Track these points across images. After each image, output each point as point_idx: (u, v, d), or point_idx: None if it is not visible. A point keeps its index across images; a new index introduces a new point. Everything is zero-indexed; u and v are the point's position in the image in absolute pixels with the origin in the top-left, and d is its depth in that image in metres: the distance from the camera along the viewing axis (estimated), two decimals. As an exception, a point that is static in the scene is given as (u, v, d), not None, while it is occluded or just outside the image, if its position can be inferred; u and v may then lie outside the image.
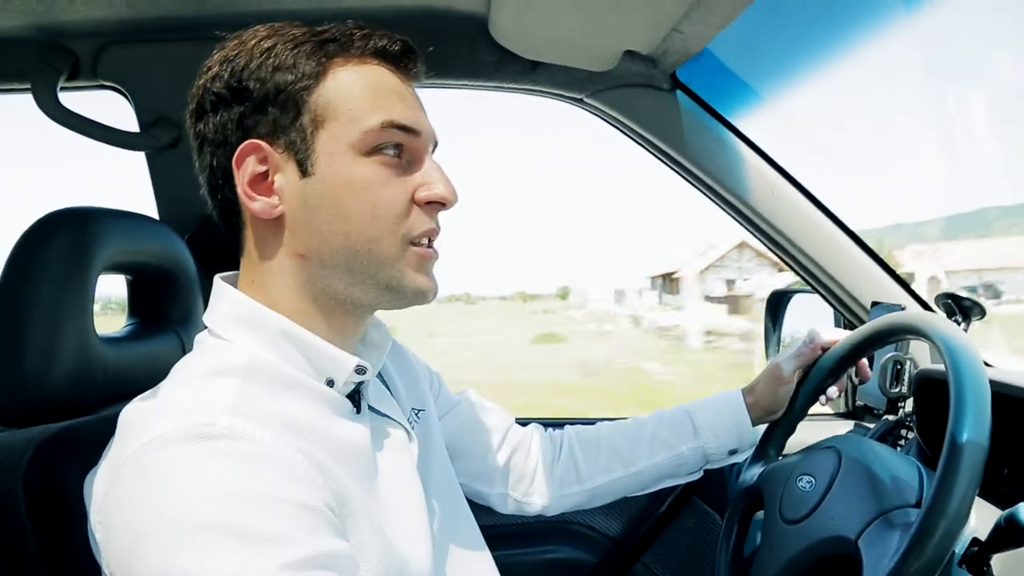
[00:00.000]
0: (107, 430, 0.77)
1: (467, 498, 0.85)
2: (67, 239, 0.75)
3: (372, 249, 0.62)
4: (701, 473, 1.00)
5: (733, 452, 0.98)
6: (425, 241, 0.64)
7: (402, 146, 0.63)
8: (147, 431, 0.52)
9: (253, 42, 0.62)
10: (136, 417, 0.57)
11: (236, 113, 0.62)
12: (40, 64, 1.08)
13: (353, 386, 0.65)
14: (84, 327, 0.75)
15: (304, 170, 0.61)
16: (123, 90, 1.14)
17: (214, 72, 0.63)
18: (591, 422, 1.02)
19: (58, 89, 1.10)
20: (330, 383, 0.63)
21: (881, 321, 0.91)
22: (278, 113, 0.61)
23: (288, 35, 0.62)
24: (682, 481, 1.01)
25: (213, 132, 0.63)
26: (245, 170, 0.61)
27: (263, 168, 0.62)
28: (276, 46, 0.62)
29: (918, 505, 0.76)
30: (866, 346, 0.94)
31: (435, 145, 0.67)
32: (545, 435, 1.01)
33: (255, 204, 0.62)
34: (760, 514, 0.95)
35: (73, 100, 1.13)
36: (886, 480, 0.80)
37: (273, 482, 0.51)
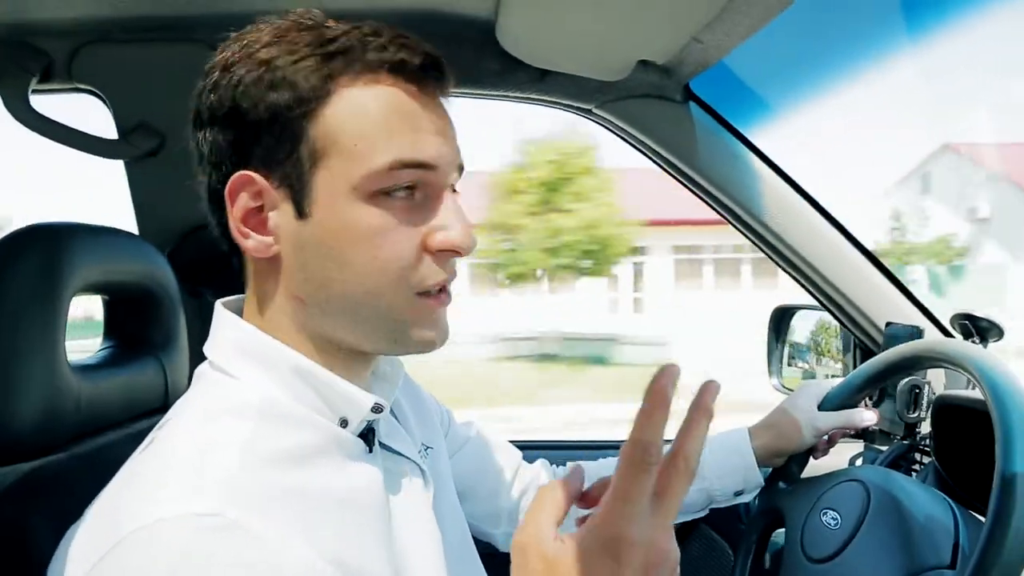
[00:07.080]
0: (79, 470, 0.70)
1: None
2: (37, 260, 0.67)
3: (374, 302, 0.55)
4: (707, 511, 0.98)
5: (739, 493, 0.95)
6: (436, 290, 0.57)
7: (415, 184, 0.55)
8: (141, 511, 0.45)
9: (255, 48, 0.54)
10: (132, 482, 0.50)
11: (229, 135, 0.55)
12: (9, 65, 1.01)
13: (366, 424, 0.59)
14: (54, 356, 0.68)
15: (300, 211, 0.54)
16: (100, 93, 1.06)
17: (214, 79, 0.55)
18: (598, 445, 0.97)
19: (29, 92, 1.02)
20: (343, 423, 0.57)
21: (913, 347, 0.88)
22: (273, 143, 0.53)
23: (291, 43, 0.54)
24: (686, 519, 0.99)
25: (208, 150, 0.56)
26: (238, 204, 0.54)
27: (257, 203, 0.55)
28: (277, 58, 0.53)
29: (953, 566, 0.73)
30: (895, 370, 0.91)
31: (460, 170, 0.59)
32: (550, 472, 0.96)
33: (248, 242, 0.55)
34: (779, 537, 0.92)
35: (50, 103, 1.06)
36: (918, 527, 0.77)
37: None
